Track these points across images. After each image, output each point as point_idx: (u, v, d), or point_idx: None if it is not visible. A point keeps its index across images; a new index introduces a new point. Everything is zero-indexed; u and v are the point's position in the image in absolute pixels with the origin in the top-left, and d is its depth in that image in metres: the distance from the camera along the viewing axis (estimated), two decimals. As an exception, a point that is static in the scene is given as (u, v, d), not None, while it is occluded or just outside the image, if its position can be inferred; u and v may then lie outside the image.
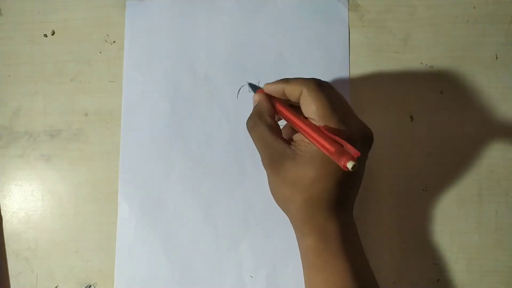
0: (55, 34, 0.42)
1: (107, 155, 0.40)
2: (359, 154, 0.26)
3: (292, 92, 0.31)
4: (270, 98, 0.33)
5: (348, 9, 0.41)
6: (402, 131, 0.40)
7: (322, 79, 0.32)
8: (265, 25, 0.41)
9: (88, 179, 0.40)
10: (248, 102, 0.40)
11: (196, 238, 0.39)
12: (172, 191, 0.40)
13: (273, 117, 0.32)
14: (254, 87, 0.37)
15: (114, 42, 0.41)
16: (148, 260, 0.39)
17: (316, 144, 0.29)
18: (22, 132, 0.41)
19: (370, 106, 0.40)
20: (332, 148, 0.27)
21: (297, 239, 0.33)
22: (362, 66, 0.40)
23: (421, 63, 0.40)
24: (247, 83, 0.40)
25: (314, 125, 0.30)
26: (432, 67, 0.40)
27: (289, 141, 0.31)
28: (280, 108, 0.32)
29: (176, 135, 0.40)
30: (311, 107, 0.30)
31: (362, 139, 0.31)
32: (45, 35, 0.42)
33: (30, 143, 0.41)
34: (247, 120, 0.33)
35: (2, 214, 0.40)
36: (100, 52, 0.41)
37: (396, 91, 0.40)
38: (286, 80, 0.32)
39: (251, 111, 0.33)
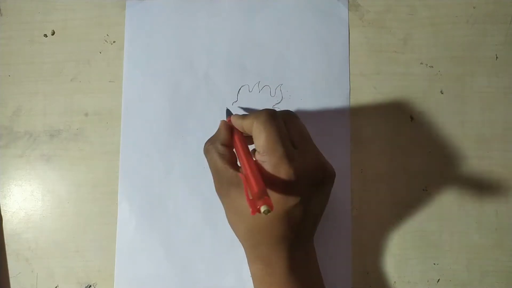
0: (55, 34, 0.42)
1: (107, 155, 0.40)
2: (270, 203, 0.26)
3: (247, 126, 0.31)
4: (233, 127, 0.34)
5: (348, 9, 0.41)
6: (402, 131, 0.40)
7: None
8: (265, 25, 0.41)
9: (88, 179, 0.40)
10: (248, 102, 0.40)
11: (196, 238, 0.39)
12: (172, 191, 0.40)
13: (226, 145, 0.32)
14: (228, 114, 0.38)
15: (114, 42, 0.41)
16: (148, 260, 0.39)
17: (244, 179, 0.28)
18: (22, 132, 0.41)
19: (370, 106, 0.40)
20: (255, 188, 0.27)
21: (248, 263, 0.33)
22: (362, 66, 0.40)
23: (421, 63, 0.40)
24: (225, 109, 0.39)
25: (252, 160, 0.30)
26: (432, 67, 0.40)
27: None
28: (235, 138, 0.33)
29: (176, 135, 0.40)
30: (258, 140, 0.30)
31: (311, 179, 0.30)
32: (45, 35, 0.42)
33: (30, 143, 0.41)
34: (204, 144, 0.34)
35: (2, 214, 0.40)
36: (100, 52, 0.41)
37: (396, 91, 0.40)
38: (243, 116, 0.32)
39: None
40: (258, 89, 0.40)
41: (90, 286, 0.39)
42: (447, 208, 0.39)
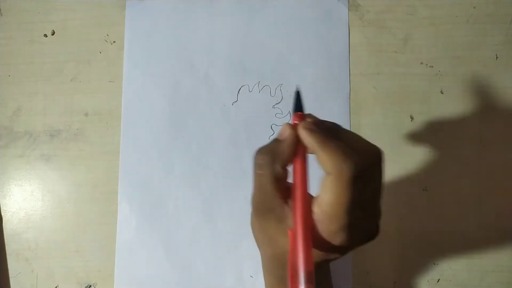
0: (55, 34, 0.42)
1: (107, 155, 0.40)
2: None
3: (321, 161, 0.23)
4: (298, 138, 0.25)
5: (348, 9, 0.41)
6: (402, 131, 0.40)
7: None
8: (265, 25, 0.41)
9: (88, 179, 0.40)
10: (248, 102, 0.40)
11: (196, 238, 0.39)
12: (172, 191, 0.40)
13: (285, 166, 0.25)
14: (297, 107, 0.27)
15: (114, 42, 0.41)
16: (148, 260, 0.39)
17: (292, 240, 0.24)
18: (22, 132, 0.41)
19: (370, 106, 0.40)
20: (303, 267, 0.23)
21: None
22: (362, 66, 0.40)
23: (421, 63, 0.40)
24: (295, 93, 0.28)
25: (310, 221, 0.24)
26: (432, 67, 0.40)
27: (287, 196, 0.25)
28: (296, 164, 0.25)
29: (176, 135, 0.40)
30: (325, 197, 0.23)
31: (360, 242, 0.25)
32: (45, 35, 0.42)
33: (30, 143, 0.41)
34: (258, 150, 0.25)
35: (2, 214, 0.40)
36: (100, 52, 0.41)
37: (396, 91, 0.40)
38: (326, 135, 0.24)
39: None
40: (258, 89, 0.40)
41: (90, 286, 0.39)
42: (447, 208, 0.39)
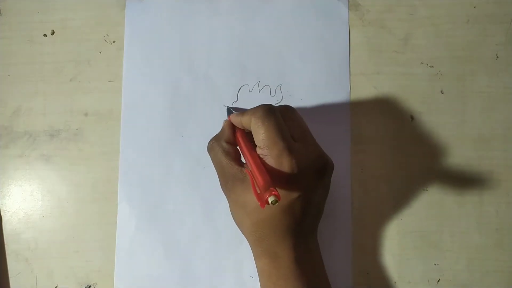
0: (55, 34, 0.42)
1: (107, 155, 0.40)
2: (277, 193, 0.27)
3: (246, 123, 0.31)
4: (234, 126, 0.34)
5: (349, 9, 0.41)
6: (402, 131, 0.40)
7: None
8: (265, 25, 0.41)
9: (88, 179, 0.40)
10: (248, 102, 0.40)
11: (196, 238, 0.39)
12: (172, 191, 0.39)
13: (231, 143, 0.33)
14: (229, 112, 0.38)
15: (114, 42, 0.41)
16: (148, 260, 0.39)
17: (250, 174, 0.29)
18: (22, 132, 0.41)
19: (370, 106, 0.40)
20: (261, 181, 0.27)
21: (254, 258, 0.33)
22: (362, 66, 0.40)
23: (421, 63, 0.40)
24: (225, 107, 0.40)
25: (256, 155, 0.30)
26: (432, 67, 0.40)
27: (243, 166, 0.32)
28: (237, 136, 0.33)
29: (176, 135, 0.40)
30: (257, 135, 0.30)
31: (313, 169, 0.30)
32: (45, 35, 0.42)
33: (30, 143, 0.41)
34: (208, 142, 0.34)
35: (2, 214, 0.40)
36: (100, 52, 0.41)
37: (396, 91, 0.40)
38: (242, 113, 0.32)
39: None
40: (258, 89, 0.40)
41: (90, 286, 0.39)
42: (447, 208, 0.39)
